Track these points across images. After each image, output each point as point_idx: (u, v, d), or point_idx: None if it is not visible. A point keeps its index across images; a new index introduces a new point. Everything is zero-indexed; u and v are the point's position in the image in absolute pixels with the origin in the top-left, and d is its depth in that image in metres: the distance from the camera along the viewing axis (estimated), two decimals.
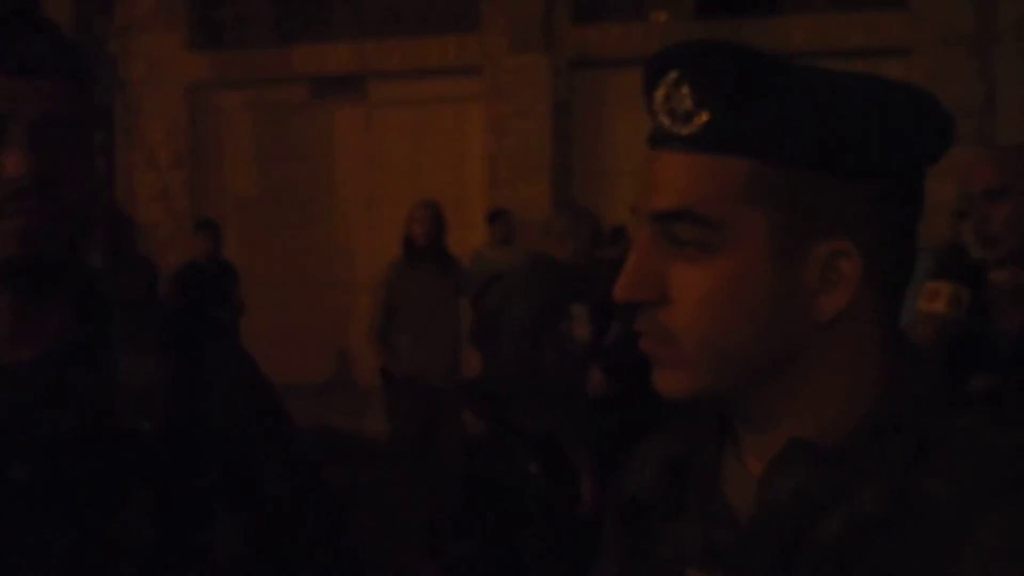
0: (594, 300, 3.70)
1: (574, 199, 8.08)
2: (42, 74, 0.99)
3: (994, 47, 7.98)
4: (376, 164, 9.62)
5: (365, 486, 5.39)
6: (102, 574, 0.96)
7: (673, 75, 0.75)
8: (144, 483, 0.99)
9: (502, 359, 3.89)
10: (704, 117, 0.73)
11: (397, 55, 9.34)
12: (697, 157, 0.74)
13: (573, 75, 8.98)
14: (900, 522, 0.69)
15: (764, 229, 0.73)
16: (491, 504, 5.06)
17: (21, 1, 1.03)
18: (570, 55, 8.89)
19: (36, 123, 0.98)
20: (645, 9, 8.91)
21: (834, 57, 7.45)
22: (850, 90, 0.74)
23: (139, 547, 0.98)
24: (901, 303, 0.79)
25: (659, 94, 0.77)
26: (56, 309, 1.03)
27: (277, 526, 1.11)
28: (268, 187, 9.99)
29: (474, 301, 5.35)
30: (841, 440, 0.74)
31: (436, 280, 5.13)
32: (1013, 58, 7.95)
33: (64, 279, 1.04)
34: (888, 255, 0.75)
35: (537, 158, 8.87)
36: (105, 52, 9.35)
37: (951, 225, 5.53)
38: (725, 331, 0.74)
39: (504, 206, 8.02)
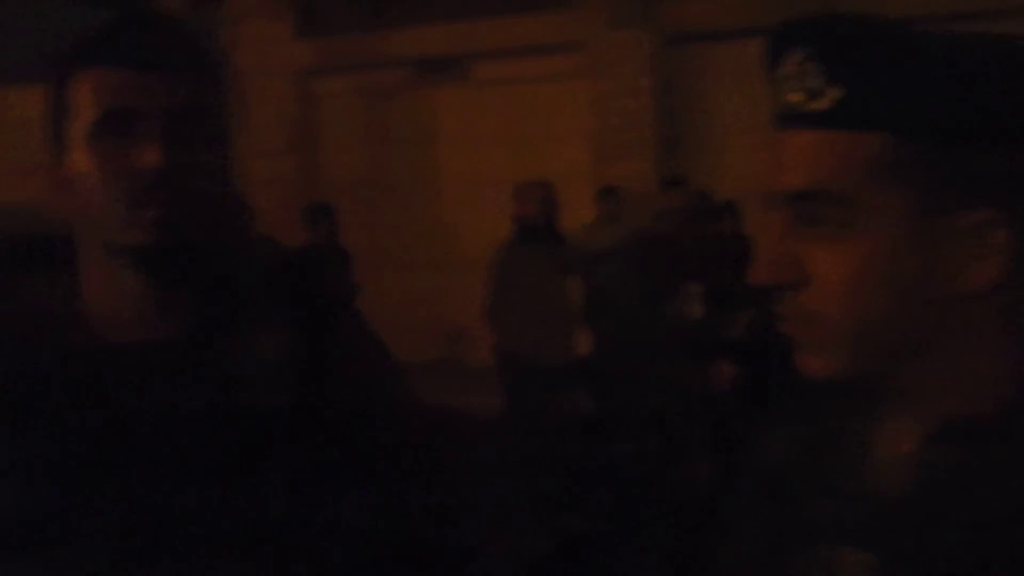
0: (706, 278, 3.65)
1: (680, 176, 7.96)
2: (169, 68, 1.03)
3: None
4: (479, 144, 9.66)
5: (476, 465, 5.42)
6: (239, 544, 0.99)
7: (799, 51, 0.73)
8: (276, 457, 1.02)
9: (613, 338, 3.89)
10: (835, 93, 0.72)
11: (498, 35, 9.33)
12: (829, 134, 0.72)
13: (678, 49, 8.85)
14: None
15: (903, 204, 0.71)
16: (603, 482, 5.07)
17: None
18: (671, 29, 8.75)
19: (166, 116, 1.01)
20: None
21: (942, 23, 7.17)
22: (983, 54, 0.71)
23: (273, 519, 1.01)
24: None
25: (785, 71, 0.75)
26: (191, 291, 1.07)
27: (399, 502, 1.13)
28: (375, 170, 10.13)
29: (583, 279, 5.36)
30: (993, 415, 0.72)
31: (547, 259, 5.14)
32: None
33: (198, 263, 1.07)
34: None
35: (641, 134, 8.77)
36: (216, 42, 9.58)
37: None
38: (869, 310, 0.73)
39: (609, 183, 7.96)
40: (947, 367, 0.74)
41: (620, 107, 8.81)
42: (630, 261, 3.82)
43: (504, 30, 9.31)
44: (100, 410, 1.00)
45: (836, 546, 0.77)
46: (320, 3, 10.21)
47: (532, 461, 5.10)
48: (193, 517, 0.99)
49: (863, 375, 0.76)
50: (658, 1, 8.75)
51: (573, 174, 9.09)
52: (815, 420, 0.86)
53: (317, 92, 10.31)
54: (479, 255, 7.24)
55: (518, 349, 5.16)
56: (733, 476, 0.94)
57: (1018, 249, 0.71)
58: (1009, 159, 0.71)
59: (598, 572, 4.72)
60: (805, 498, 0.82)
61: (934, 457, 0.73)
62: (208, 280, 1.10)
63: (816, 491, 0.81)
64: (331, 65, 10.09)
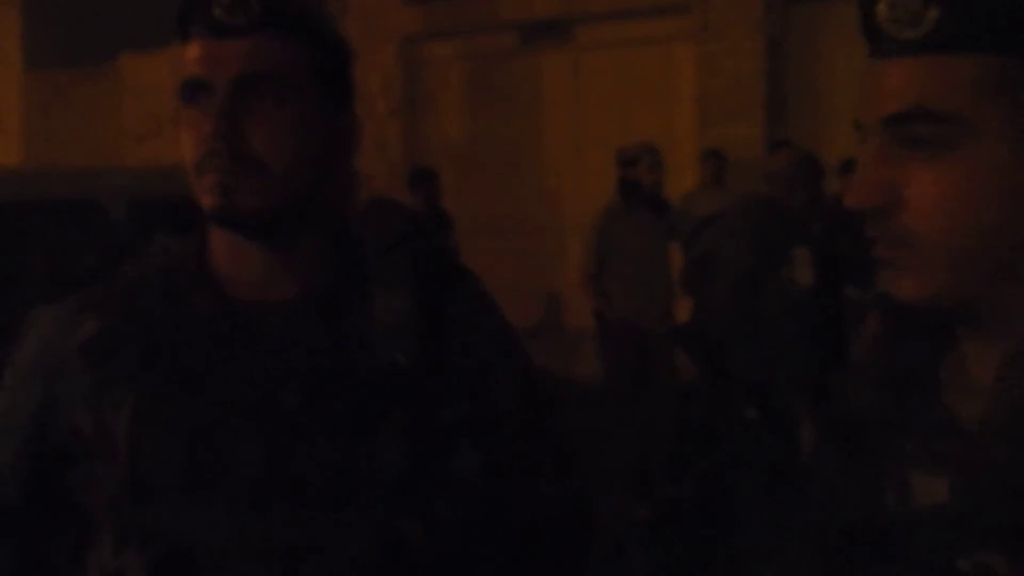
0: (816, 244, 3.57)
1: (789, 139, 7.78)
2: (240, 33, 1.04)
3: None
4: (584, 108, 9.60)
5: (576, 430, 5.42)
6: (359, 495, 1.04)
7: None
8: (397, 413, 1.05)
9: (717, 304, 3.83)
10: (933, 15, 0.71)
11: None
12: (928, 59, 0.73)
13: (787, 9, 8.61)
14: None
15: (1004, 122, 0.71)
16: (705, 449, 5.03)
17: None
18: None
19: (233, 83, 1.03)
20: None
21: None
22: None
23: (392, 472, 1.04)
24: None
25: (882, 5, 0.75)
26: (312, 253, 1.11)
27: (513, 460, 1.16)
28: (478, 135, 10.17)
29: (686, 245, 5.30)
30: None
31: (650, 224, 5.10)
32: None
33: (305, 226, 1.10)
34: None
35: (749, 97, 8.58)
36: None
37: None
38: (965, 229, 0.72)
39: (715, 147, 7.84)
40: None
41: (727, 69, 8.63)
42: (737, 227, 3.74)
43: None
44: (228, 367, 1.05)
45: (912, 470, 0.77)
46: None
47: (633, 427, 5.10)
48: (316, 471, 1.03)
49: (954, 299, 0.75)
50: None
51: (678, 138, 8.97)
52: (889, 355, 0.86)
53: (423, 57, 10.38)
54: (581, 220, 7.22)
55: (618, 315, 5.14)
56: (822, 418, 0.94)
57: None
58: None
59: (701, 539, 4.71)
60: (882, 431, 0.82)
61: (1011, 383, 0.73)
62: (334, 241, 1.13)
63: (893, 424, 0.81)
64: (437, 30, 10.14)
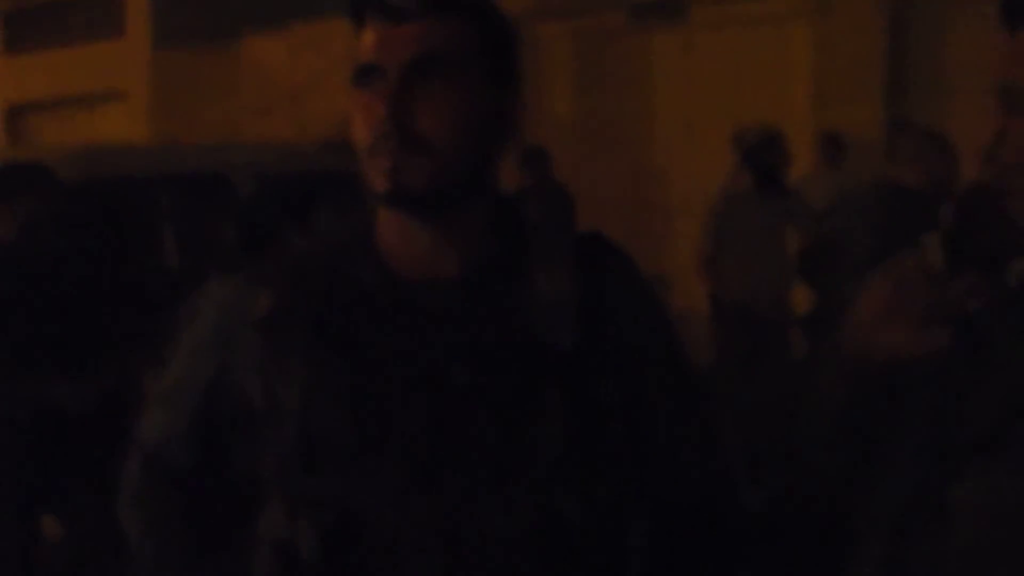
0: (947, 227, 3.46)
1: (909, 120, 7.56)
2: (411, 17, 1.07)
3: None
4: (695, 89, 9.48)
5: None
6: (520, 473, 1.06)
7: None
8: (555, 392, 1.08)
9: (841, 291, 3.77)
10: None
11: None
12: None
13: None
14: None
15: None
16: (815, 440, 4.91)
17: None
18: None
19: (404, 67, 1.06)
20: None
21: None
22: None
23: (551, 451, 1.07)
24: None
25: None
26: (475, 232, 1.14)
27: (665, 443, 1.17)
28: (588, 114, 10.14)
29: (805, 232, 5.18)
30: None
31: (769, 208, 5.03)
32: None
33: (469, 205, 1.14)
34: None
35: (868, 77, 8.36)
36: None
37: None
38: None
39: (832, 129, 7.67)
40: None
41: (846, 48, 8.41)
42: (860, 211, 3.62)
43: None
44: (393, 343, 1.08)
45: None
46: None
47: (743, 411, 5.06)
48: (479, 446, 1.07)
49: None
50: None
51: (794, 120, 8.80)
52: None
53: (532, 36, 10.39)
54: (691, 201, 7.17)
55: (736, 299, 5.09)
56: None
57: None
58: None
59: (821, 525, 4.65)
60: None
61: None
62: (498, 221, 1.15)
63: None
64: (548, 9, 10.13)
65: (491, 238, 1.14)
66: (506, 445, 1.06)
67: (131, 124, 12.53)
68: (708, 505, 1.21)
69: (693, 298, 6.09)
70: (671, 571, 1.18)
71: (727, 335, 5.20)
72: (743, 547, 1.23)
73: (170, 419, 1.20)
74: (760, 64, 9.08)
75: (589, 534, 1.08)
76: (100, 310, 3.28)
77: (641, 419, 1.14)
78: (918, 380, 0.88)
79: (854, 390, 0.86)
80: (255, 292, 1.14)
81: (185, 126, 11.87)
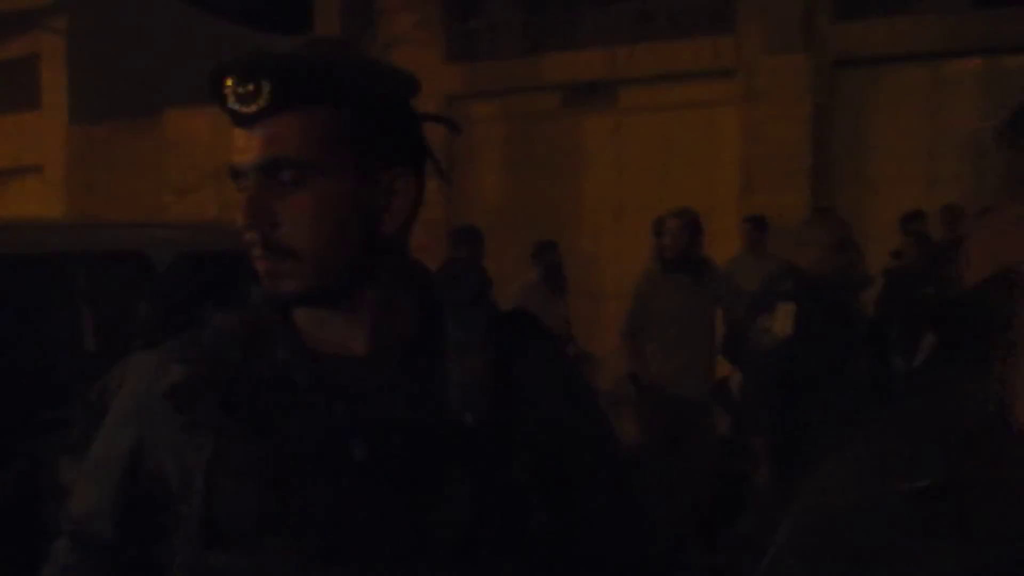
0: (820, 304, 3.54)
1: (831, 207, 7.66)
2: (257, 121, 1.03)
3: None
4: (625, 171, 9.56)
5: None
6: (425, 552, 1.05)
7: None
8: (461, 471, 1.06)
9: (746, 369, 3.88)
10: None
11: (648, 60, 9.23)
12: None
13: (835, 75, 8.55)
14: None
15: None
16: (743, 509, 4.90)
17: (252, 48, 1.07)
18: (832, 54, 8.46)
19: (257, 171, 1.04)
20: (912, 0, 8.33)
21: None
22: None
23: (456, 530, 1.05)
24: None
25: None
26: (388, 309, 1.13)
27: (591, 522, 1.16)
28: (519, 195, 10.15)
29: (726, 313, 5.20)
30: None
31: (689, 289, 4.98)
32: None
33: (376, 286, 1.12)
34: None
35: (795, 164, 8.50)
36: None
37: None
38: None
39: (759, 214, 7.74)
40: None
41: (774, 135, 8.56)
42: (766, 294, 3.70)
43: (655, 55, 9.20)
44: (299, 418, 1.07)
45: None
46: (471, 27, 10.32)
47: (667, 492, 4.95)
48: (383, 524, 1.04)
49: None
50: (820, 24, 8.47)
51: (722, 204, 8.88)
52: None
53: (465, 116, 10.41)
54: (620, 284, 7.12)
55: (655, 379, 5.03)
56: None
57: None
58: None
59: None
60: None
61: None
62: (403, 298, 1.14)
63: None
64: (479, 90, 10.18)
65: (409, 316, 1.14)
66: (410, 525, 1.05)
67: (47, 199, 12.21)
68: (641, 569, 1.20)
69: (623, 380, 6.02)
70: None
71: (649, 416, 5.11)
72: None
73: (95, 492, 1.20)
74: (689, 149, 9.19)
75: None
76: (14, 393, 3.16)
77: (561, 496, 1.12)
78: None
79: None
80: (170, 364, 1.14)
81: (104, 202, 11.59)
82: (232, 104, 1.03)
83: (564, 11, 9.79)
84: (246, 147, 1.05)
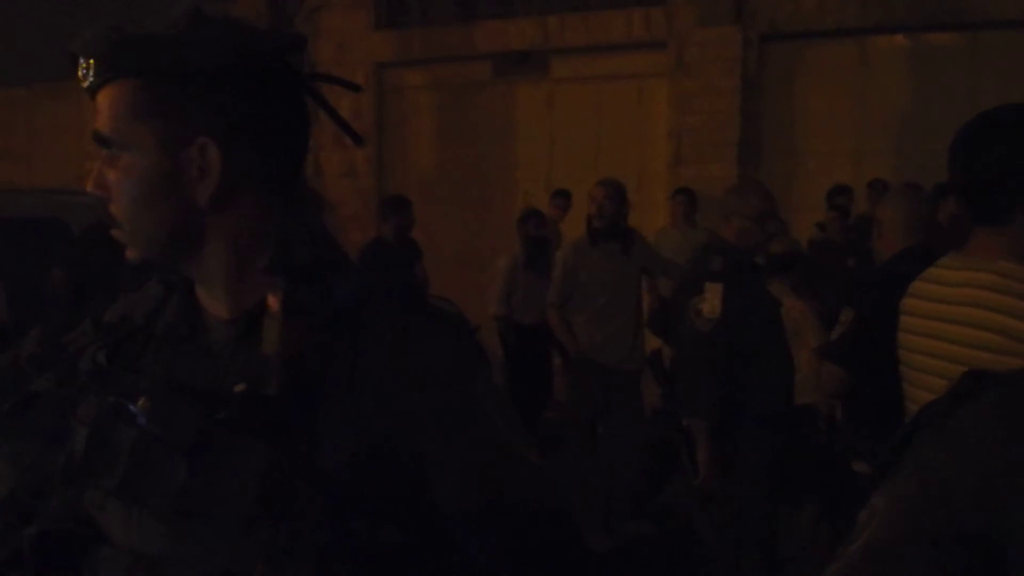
0: (747, 278, 3.58)
1: (759, 179, 7.76)
2: (94, 94, 1.09)
3: None
4: (557, 141, 9.55)
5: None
6: (206, 519, 1.05)
7: None
8: (247, 442, 1.04)
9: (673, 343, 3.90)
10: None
11: (580, 30, 9.22)
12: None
13: (764, 49, 8.63)
14: None
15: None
16: (667, 477, 4.95)
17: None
18: (762, 28, 8.54)
19: (96, 142, 1.10)
20: None
21: None
22: None
23: (240, 495, 1.03)
24: None
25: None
26: (236, 278, 1.12)
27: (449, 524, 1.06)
28: (450, 164, 10.09)
29: (651, 285, 5.24)
30: None
31: (617, 260, 5.00)
32: None
33: (217, 256, 1.12)
34: None
35: (724, 136, 8.58)
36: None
37: None
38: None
39: (689, 185, 7.80)
40: None
41: (703, 106, 8.62)
42: (695, 274, 3.71)
43: (587, 25, 9.19)
44: (154, 374, 1.12)
45: None
46: None
47: (594, 461, 5.00)
48: (167, 485, 1.05)
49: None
50: None
51: (652, 175, 8.94)
52: None
53: (395, 84, 10.30)
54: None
55: (582, 349, 5.05)
56: None
57: None
58: None
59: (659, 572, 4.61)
60: None
61: None
62: (252, 268, 1.11)
63: None
64: (409, 58, 10.07)
65: (261, 285, 1.11)
66: (192, 489, 1.05)
67: None
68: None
69: (553, 352, 6.04)
70: None
71: (576, 386, 5.14)
72: None
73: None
74: (620, 119, 9.22)
75: None
76: None
77: (400, 488, 1.04)
78: None
79: None
80: (88, 328, 1.20)
81: (24, 167, 11.25)
82: (80, 75, 1.10)
83: None
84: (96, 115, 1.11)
